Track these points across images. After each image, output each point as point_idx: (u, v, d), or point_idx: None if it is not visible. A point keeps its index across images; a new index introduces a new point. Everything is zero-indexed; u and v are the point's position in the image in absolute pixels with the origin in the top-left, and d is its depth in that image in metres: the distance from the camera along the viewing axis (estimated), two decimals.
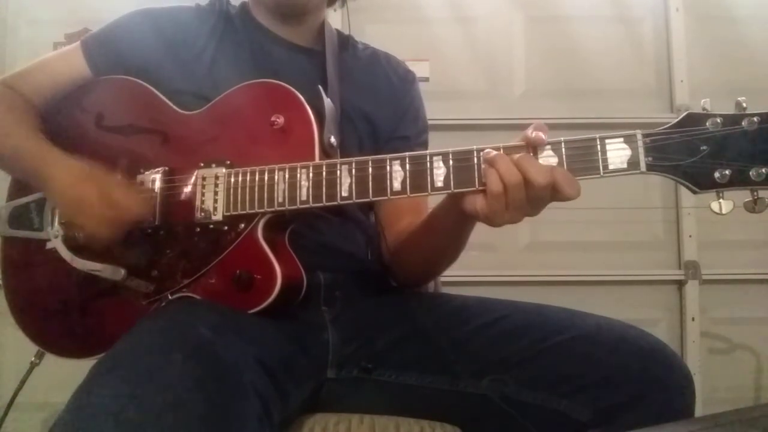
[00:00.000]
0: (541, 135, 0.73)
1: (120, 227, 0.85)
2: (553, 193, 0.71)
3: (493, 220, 0.74)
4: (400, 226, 1.03)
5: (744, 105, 0.69)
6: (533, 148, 0.73)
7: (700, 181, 0.70)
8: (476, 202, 0.75)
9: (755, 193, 0.69)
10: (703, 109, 0.70)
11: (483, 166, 0.74)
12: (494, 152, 0.73)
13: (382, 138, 1.07)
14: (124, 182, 0.89)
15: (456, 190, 0.76)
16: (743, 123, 0.68)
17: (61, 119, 0.99)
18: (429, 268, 1.02)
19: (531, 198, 0.72)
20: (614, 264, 1.96)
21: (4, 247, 1.01)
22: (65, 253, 0.91)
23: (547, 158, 0.73)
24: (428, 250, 0.97)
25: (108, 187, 0.85)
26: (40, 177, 0.89)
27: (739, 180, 0.68)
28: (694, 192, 0.71)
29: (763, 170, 0.67)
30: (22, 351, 0.99)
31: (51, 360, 0.97)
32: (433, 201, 0.87)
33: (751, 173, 0.68)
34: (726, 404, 1.88)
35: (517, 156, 0.72)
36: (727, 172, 0.68)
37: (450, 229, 0.89)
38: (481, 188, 0.74)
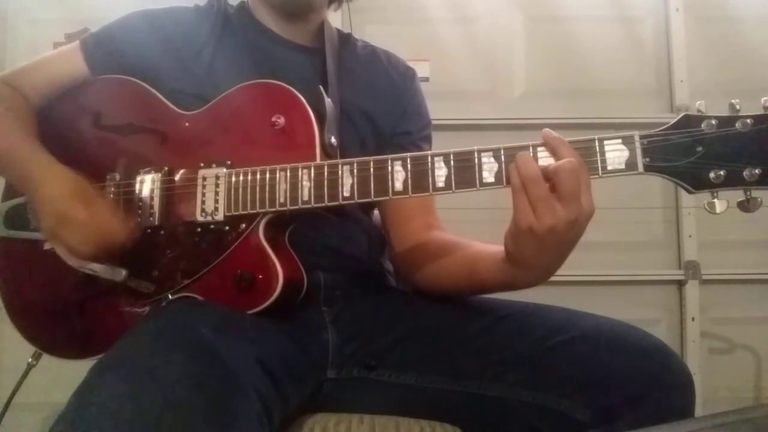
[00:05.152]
0: (554, 133, 0.72)
1: (101, 249, 0.83)
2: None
3: (540, 219, 0.70)
4: (411, 228, 1.02)
5: (737, 107, 0.70)
6: (552, 148, 0.72)
7: (696, 182, 0.71)
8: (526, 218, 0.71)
9: (748, 193, 0.70)
10: (698, 110, 0.71)
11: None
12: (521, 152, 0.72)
13: (385, 135, 1.07)
14: (112, 204, 0.88)
15: (457, 190, 0.76)
16: (737, 124, 0.69)
17: (59, 118, 0.99)
18: (453, 293, 0.96)
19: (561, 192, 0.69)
20: (614, 264, 1.96)
21: (1, 248, 1.01)
22: (63, 254, 0.90)
23: (547, 159, 0.73)
24: (464, 288, 0.92)
25: (96, 207, 0.84)
26: (30, 183, 0.88)
27: (733, 180, 0.69)
28: (690, 192, 0.72)
29: (756, 171, 0.68)
30: (21, 351, 0.99)
31: (50, 360, 0.96)
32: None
33: (744, 173, 0.69)
34: (726, 404, 1.89)
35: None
36: (721, 172, 0.69)
37: (496, 280, 0.84)
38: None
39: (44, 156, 0.90)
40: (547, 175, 0.70)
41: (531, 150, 0.74)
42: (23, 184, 0.92)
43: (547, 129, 0.73)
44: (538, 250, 0.73)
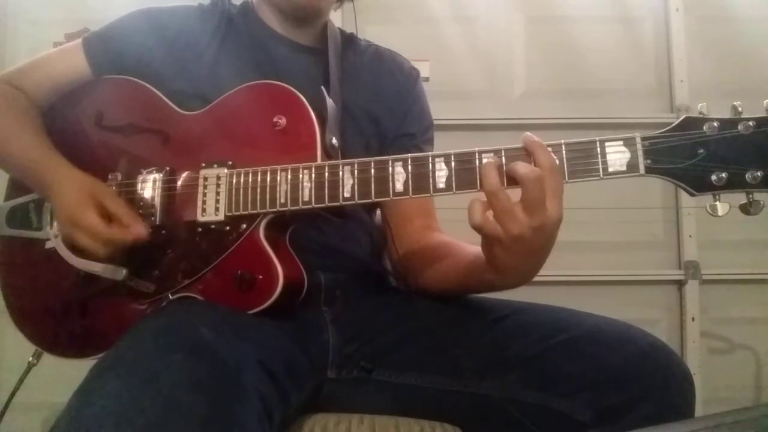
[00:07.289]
0: (533, 137, 0.72)
1: (117, 247, 0.85)
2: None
3: (505, 228, 0.71)
4: (412, 229, 1.02)
5: (740, 109, 0.70)
6: (529, 152, 0.73)
7: (698, 184, 0.70)
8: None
9: (750, 196, 0.70)
10: (701, 112, 0.71)
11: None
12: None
13: (388, 136, 1.07)
14: (125, 203, 0.88)
15: (458, 191, 0.76)
16: (739, 127, 0.69)
17: (61, 118, 0.99)
18: (447, 294, 0.96)
19: (525, 199, 0.70)
20: (614, 264, 1.96)
21: (3, 247, 1.01)
22: (65, 253, 0.91)
23: None
24: (455, 290, 0.93)
25: (110, 205, 0.85)
26: (45, 188, 0.90)
27: (735, 183, 0.69)
28: (692, 194, 0.71)
29: (759, 173, 0.68)
30: (22, 351, 0.99)
31: (51, 360, 0.96)
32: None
33: (746, 176, 0.69)
34: (726, 404, 1.88)
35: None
36: (723, 174, 0.69)
37: (482, 284, 0.85)
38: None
39: (56, 159, 0.91)
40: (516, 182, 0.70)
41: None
42: (38, 187, 0.93)
43: (528, 133, 0.73)
44: (510, 258, 0.74)
